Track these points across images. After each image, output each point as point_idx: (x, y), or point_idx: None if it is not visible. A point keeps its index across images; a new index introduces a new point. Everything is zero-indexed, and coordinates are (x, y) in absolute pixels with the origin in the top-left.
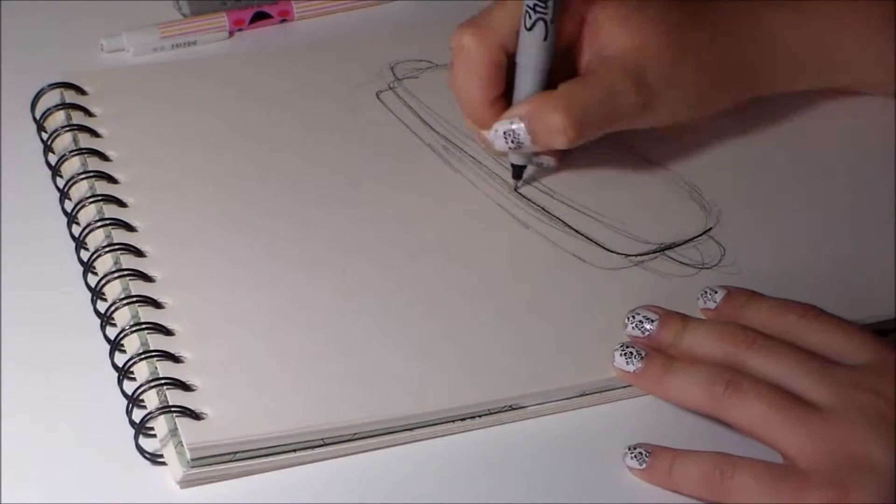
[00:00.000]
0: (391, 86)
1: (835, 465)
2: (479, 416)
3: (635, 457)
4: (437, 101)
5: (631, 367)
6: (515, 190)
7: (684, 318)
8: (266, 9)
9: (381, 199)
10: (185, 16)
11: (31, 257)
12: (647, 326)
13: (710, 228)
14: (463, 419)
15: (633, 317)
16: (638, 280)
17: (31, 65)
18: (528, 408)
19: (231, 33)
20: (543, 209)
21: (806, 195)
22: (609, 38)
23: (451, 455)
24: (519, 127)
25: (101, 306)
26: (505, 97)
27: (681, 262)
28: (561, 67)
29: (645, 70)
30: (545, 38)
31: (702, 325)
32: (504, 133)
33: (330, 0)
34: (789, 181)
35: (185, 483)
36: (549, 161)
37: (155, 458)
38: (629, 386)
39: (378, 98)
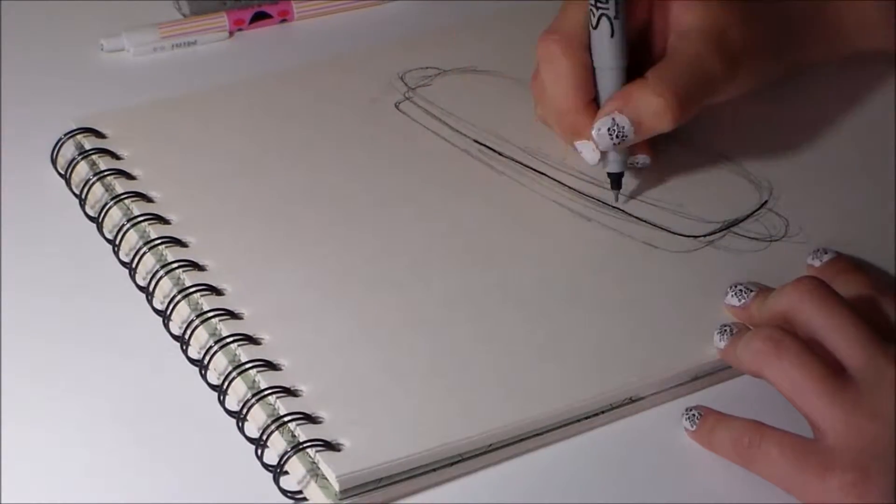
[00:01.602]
0: (407, 96)
1: (860, 445)
2: (603, 413)
3: (689, 418)
4: (458, 107)
5: (722, 344)
6: (616, 201)
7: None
8: (266, 9)
9: (439, 210)
10: (185, 16)
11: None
12: (745, 296)
13: (767, 201)
14: (587, 417)
15: (735, 286)
16: (714, 259)
17: (32, 65)
18: (646, 398)
19: (231, 33)
20: (599, 200)
21: (849, 156)
22: (681, 12)
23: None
24: (621, 118)
25: (192, 352)
26: (596, 102)
27: (750, 238)
28: (636, 55)
29: (724, 35)
30: (612, 35)
31: (781, 286)
32: (608, 129)
33: (330, 0)
34: (829, 145)
35: None
36: (643, 159)
37: (296, 497)
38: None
39: (398, 109)
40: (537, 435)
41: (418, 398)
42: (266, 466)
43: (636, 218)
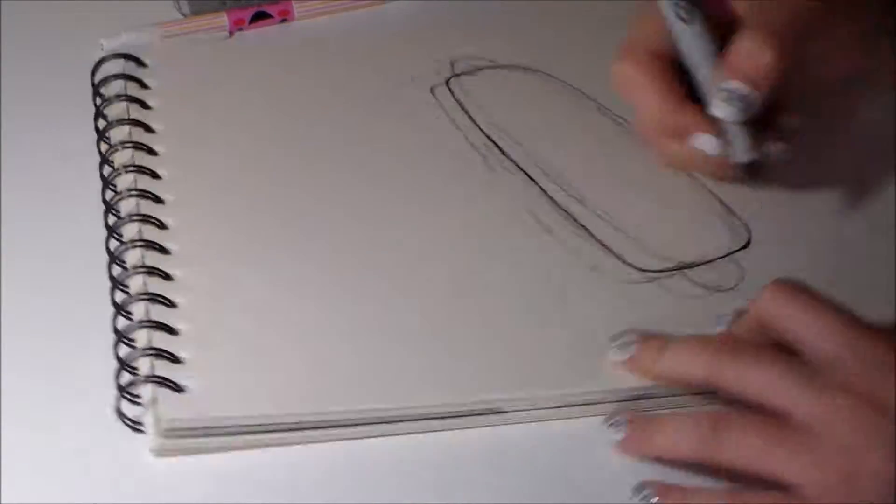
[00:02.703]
0: (446, 81)
1: (838, 486)
2: (461, 416)
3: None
4: (491, 101)
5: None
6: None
7: (664, 340)
8: (266, 8)
9: (408, 196)
10: (185, 15)
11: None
12: (629, 350)
13: (734, 252)
14: (442, 418)
15: (617, 338)
16: (649, 298)
17: (32, 65)
18: (510, 413)
19: (231, 33)
20: (570, 216)
21: (837, 225)
22: None
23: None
24: (732, 84)
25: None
26: (690, 96)
27: (697, 284)
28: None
29: None
30: (697, 31)
31: (681, 342)
32: (725, 99)
33: (330, 0)
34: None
35: (158, 452)
36: (777, 148)
37: (135, 425)
38: (614, 402)
39: (431, 93)
40: (384, 423)
41: (278, 367)
42: (119, 387)
43: (597, 240)
